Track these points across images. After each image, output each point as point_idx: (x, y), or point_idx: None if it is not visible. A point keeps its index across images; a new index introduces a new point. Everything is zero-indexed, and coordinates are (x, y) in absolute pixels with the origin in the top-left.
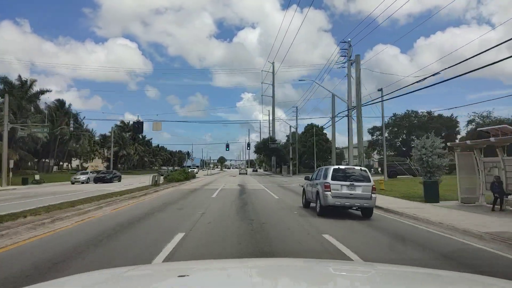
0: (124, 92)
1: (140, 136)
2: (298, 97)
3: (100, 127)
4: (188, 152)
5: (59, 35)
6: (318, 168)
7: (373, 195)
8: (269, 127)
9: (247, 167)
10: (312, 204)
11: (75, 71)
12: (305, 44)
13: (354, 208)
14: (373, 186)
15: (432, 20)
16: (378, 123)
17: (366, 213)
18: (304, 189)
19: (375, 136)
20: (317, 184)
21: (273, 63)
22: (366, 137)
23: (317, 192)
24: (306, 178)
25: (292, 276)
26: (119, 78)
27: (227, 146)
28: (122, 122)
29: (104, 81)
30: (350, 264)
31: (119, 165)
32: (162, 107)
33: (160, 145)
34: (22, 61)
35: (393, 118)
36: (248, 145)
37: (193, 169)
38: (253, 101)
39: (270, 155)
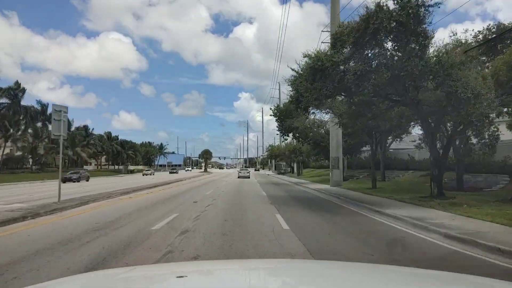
0: (117, 89)
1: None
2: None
3: None
4: (161, 144)
5: (50, 28)
6: None
7: None
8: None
9: (246, 166)
10: None
11: (67, 67)
12: (303, 40)
13: None
14: None
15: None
16: None
17: None
18: None
19: None
20: None
21: None
22: None
23: None
24: None
25: (291, 276)
26: (113, 75)
27: None
28: None
29: (98, 78)
30: (349, 263)
31: None
32: (158, 104)
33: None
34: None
35: None
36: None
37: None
38: (250, 100)
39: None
